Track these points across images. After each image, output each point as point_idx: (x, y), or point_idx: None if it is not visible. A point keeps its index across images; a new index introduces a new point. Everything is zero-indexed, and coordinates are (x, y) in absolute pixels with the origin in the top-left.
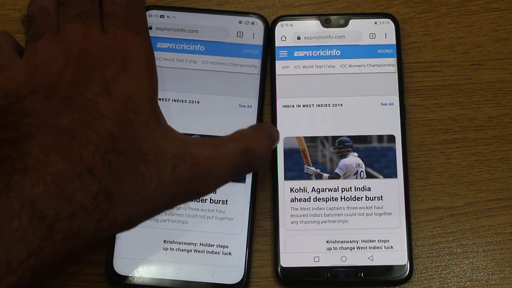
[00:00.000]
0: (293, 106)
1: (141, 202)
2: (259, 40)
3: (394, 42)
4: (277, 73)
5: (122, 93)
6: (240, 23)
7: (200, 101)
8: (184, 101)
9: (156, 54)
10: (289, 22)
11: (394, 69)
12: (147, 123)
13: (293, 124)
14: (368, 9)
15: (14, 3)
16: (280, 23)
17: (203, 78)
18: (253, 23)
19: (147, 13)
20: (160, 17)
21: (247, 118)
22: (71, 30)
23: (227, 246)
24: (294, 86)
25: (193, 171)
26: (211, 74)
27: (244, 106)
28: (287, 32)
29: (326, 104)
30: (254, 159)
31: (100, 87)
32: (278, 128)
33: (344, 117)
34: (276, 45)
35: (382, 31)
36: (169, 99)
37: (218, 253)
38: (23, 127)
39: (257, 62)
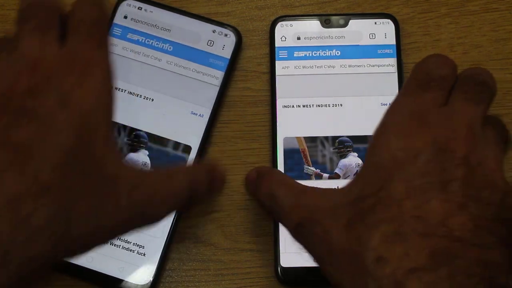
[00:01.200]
0: (293, 106)
1: (98, 225)
2: (227, 53)
3: (394, 42)
4: (277, 73)
5: (80, 107)
6: (213, 32)
7: (154, 99)
8: (139, 95)
9: (124, 44)
10: (289, 23)
11: (394, 69)
12: (104, 143)
13: (293, 124)
14: (368, 9)
15: (14, 3)
16: (280, 23)
17: (163, 77)
18: (226, 35)
19: (126, 2)
20: (138, 8)
21: (196, 126)
22: (26, 41)
23: (143, 246)
24: (294, 86)
25: (148, 198)
26: (172, 75)
27: (196, 114)
28: (287, 32)
29: (326, 104)
30: (197, 195)
31: (57, 99)
32: (278, 128)
33: (344, 117)
34: (276, 46)
35: (382, 32)
36: (125, 90)
37: (133, 251)
38: None
39: (220, 74)
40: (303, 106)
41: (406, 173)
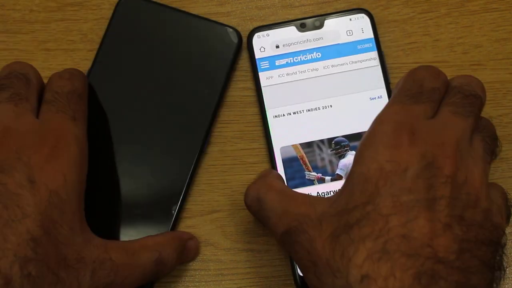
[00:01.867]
0: (283, 115)
1: None
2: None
3: (372, 36)
4: (262, 84)
5: (48, 186)
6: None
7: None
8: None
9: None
10: (265, 32)
11: (377, 62)
12: (71, 226)
13: (286, 133)
14: (369, 9)
15: (14, 3)
16: (256, 34)
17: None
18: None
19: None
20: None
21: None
22: (0, 110)
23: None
24: (281, 95)
25: (111, 276)
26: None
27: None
28: (265, 43)
29: (315, 108)
30: (163, 268)
31: (24, 176)
32: (272, 139)
33: (336, 117)
34: (256, 57)
35: (359, 27)
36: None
37: None
38: None
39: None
40: (294, 113)
41: (394, 188)
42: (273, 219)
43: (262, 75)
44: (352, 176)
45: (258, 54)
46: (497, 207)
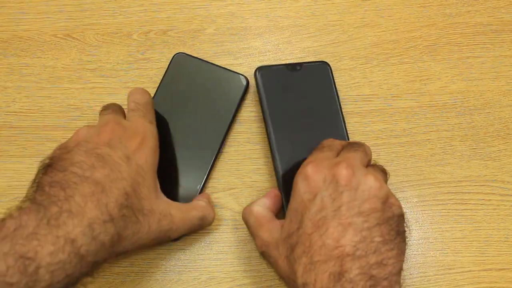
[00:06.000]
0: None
1: (136, 241)
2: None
3: (331, 78)
4: (264, 104)
5: (137, 162)
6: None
7: None
8: None
9: None
10: (265, 70)
11: (334, 94)
12: (148, 187)
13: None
14: (328, 62)
15: (107, 58)
16: (260, 71)
17: None
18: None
19: None
20: None
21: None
22: (107, 117)
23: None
24: (278, 111)
25: (170, 225)
26: None
27: None
28: (266, 76)
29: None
30: (205, 223)
31: (123, 153)
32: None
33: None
34: (260, 86)
35: (322, 72)
36: None
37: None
38: (69, 174)
39: None
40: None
41: (311, 212)
42: (254, 239)
43: (264, 98)
44: (289, 208)
45: (261, 84)
46: (390, 192)
